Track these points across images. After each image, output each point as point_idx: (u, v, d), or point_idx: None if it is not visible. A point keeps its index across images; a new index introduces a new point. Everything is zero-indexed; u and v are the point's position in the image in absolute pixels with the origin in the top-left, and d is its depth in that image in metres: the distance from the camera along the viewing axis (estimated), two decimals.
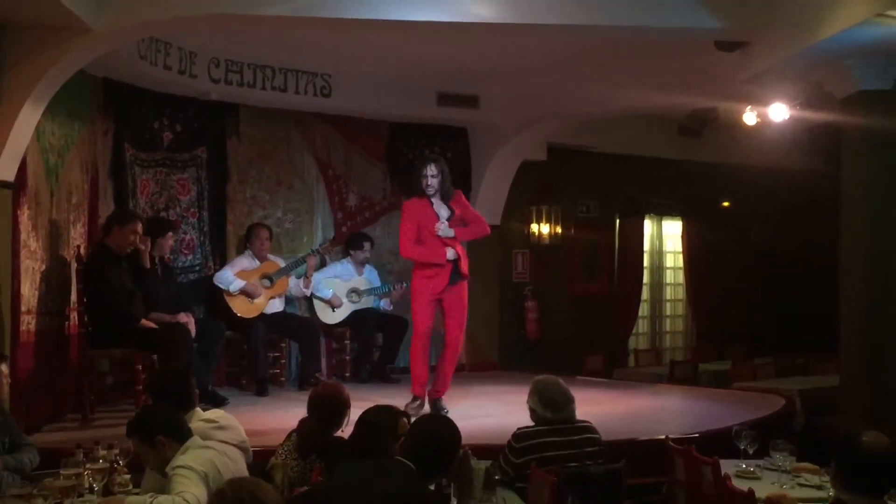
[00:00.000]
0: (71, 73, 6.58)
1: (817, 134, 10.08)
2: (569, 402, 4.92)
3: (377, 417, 4.18)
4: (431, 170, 7.15)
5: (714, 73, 8.04)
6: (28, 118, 6.23)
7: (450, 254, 7.14)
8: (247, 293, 8.64)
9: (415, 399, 7.26)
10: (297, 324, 9.09)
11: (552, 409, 4.84)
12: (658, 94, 8.91)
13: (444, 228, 7.12)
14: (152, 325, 7.11)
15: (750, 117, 8.78)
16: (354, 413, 4.48)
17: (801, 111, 7.70)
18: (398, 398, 7.50)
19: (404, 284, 8.88)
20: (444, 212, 7.20)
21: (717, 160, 12.49)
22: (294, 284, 9.11)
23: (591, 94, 9.47)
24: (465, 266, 7.26)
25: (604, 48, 8.22)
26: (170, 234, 8.04)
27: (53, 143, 6.98)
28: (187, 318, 7.37)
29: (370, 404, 4.29)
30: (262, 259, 8.86)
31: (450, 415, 6.02)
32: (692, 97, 9.17)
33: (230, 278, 8.61)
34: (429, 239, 7.15)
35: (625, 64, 8.64)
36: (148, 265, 7.57)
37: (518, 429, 4.87)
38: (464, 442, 3.80)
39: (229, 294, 8.60)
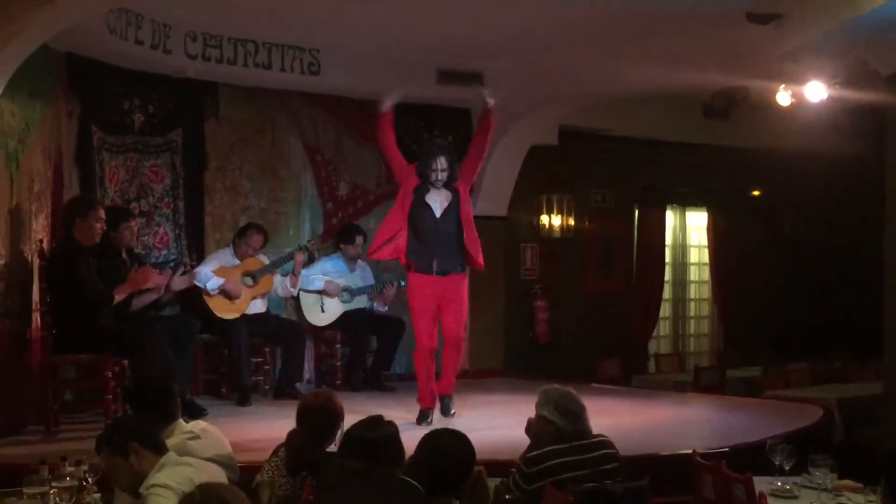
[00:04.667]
0: (32, 49, 6.55)
1: (859, 115, 10.07)
2: (584, 412, 4.90)
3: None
4: (441, 163, 7.18)
5: (745, 49, 8.03)
6: None
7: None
8: (227, 293, 8.61)
9: (424, 413, 7.24)
10: (282, 326, 9.08)
11: (571, 420, 4.78)
12: (682, 71, 8.90)
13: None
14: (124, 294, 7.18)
15: (784, 97, 8.77)
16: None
17: (841, 90, 7.69)
18: (395, 408, 7.53)
19: (402, 283, 8.81)
20: (437, 204, 7.21)
21: (746, 145, 12.49)
22: (279, 283, 9.07)
23: (607, 71, 9.45)
24: (476, 257, 7.27)
25: (622, 20, 8.19)
26: (124, 224, 7.73)
27: (13, 125, 6.96)
28: (164, 274, 7.64)
29: (364, 415, 4.24)
30: (244, 256, 8.83)
31: (453, 425, 6.00)
32: (720, 75, 9.15)
33: (208, 275, 8.57)
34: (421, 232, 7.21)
35: (645, 38, 8.60)
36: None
37: (528, 452, 4.82)
38: None
39: (207, 293, 8.57)
